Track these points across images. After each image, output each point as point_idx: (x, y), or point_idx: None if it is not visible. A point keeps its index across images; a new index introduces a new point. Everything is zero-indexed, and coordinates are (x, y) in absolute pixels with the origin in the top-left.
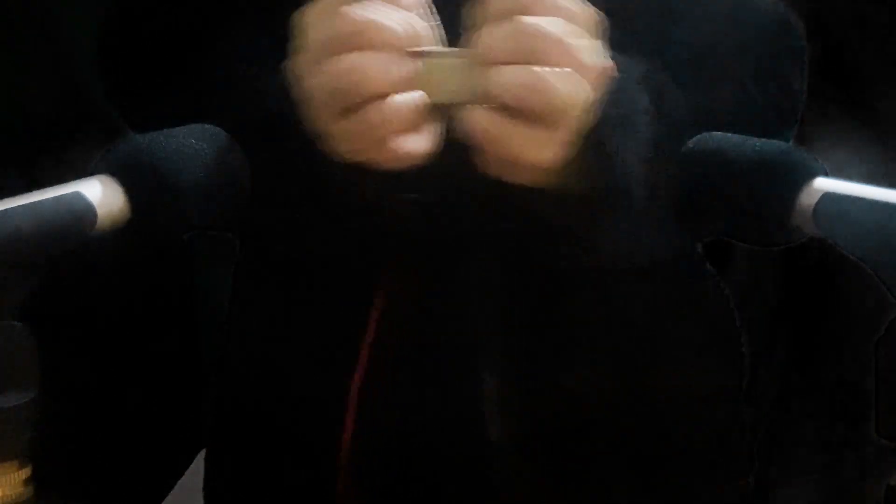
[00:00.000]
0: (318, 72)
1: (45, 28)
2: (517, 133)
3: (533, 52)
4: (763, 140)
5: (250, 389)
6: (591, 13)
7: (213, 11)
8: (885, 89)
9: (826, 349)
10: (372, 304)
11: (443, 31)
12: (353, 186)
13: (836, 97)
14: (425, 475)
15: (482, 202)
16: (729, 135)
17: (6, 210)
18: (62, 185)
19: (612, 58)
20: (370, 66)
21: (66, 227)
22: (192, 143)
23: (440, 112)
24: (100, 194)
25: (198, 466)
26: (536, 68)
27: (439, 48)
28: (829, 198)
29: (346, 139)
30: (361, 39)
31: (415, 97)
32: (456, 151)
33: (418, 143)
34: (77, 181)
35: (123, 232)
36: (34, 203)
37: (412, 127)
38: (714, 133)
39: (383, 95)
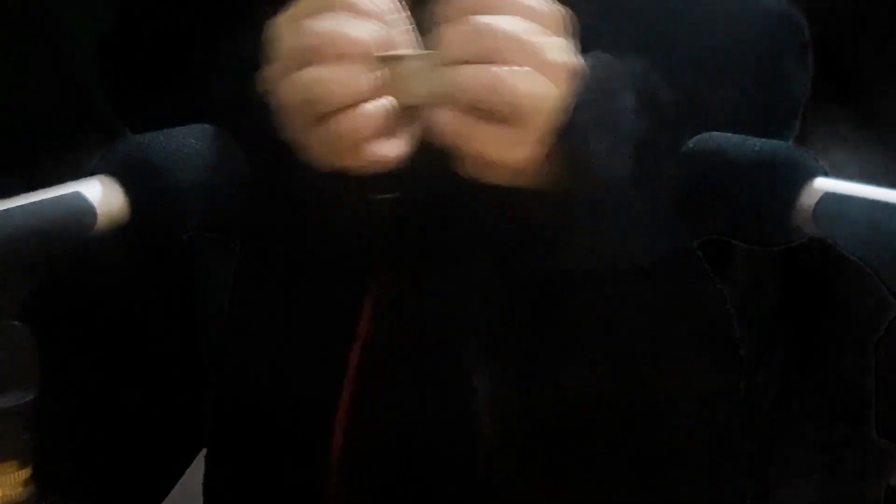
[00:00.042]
0: (288, 83)
1: (45, 28)
2: (483, 133)
3: (490, 52)
4: (763, 140)
5: (248, 389)
6: (557, 11)
7: (213, 13)
8: (884, 89)
9: (826, 349)
10: (364, 303)
11: (418, 33)
12: (335, 190)
13: (836, 97)
14: (418, 475)
15: (467, 202)
16: (729, 135)
17: (6, 210)
18: (62, 185)
19: (598, 56)
20: (336, 78)
21: (66, 227)
22: (192, 143)
23: (414, 114)
24: (100, 194)
25: (198, 466)
26: (493, 67)
27: (407, 51)
28: (829, 198)
29: (320, 147)
30: (327, 51)
31: (383, 104)
32: (435, 152)
33: (391, 148)
34: (77, 181)
35: (123, 232)
36: (34, 203)
37: (384, 132)
38: (714, 133)
39: (353, 104)
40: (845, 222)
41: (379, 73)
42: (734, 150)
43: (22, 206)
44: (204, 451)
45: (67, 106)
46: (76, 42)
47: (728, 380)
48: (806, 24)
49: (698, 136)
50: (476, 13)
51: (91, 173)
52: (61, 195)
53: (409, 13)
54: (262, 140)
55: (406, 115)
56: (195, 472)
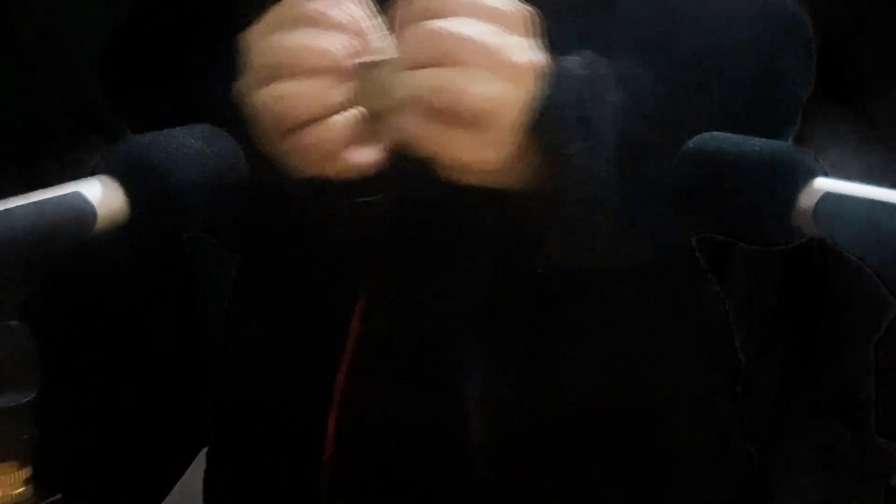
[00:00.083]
0: (258, 96)
1: (45, 29)
2: (445, 137)
3: (444, 55)
4: (763, 140)
5: (247, 388)
6: (522, 11)
7: (214, 13)
8: (885, 89)
9: (826, 349)
10: (355, 303)
11: (391, 38)
12: (319, 194)
13: (836, 97)
14: (408, 474)
15: (454, 202)
16: (729, 135)
17: (6, 210)
18: (62, 185)
19: (584, 55)
20: (303, 93)
21: (66, 227)
22: (192, 143)
23: (386, 119)
24: (100, 194)
25: (198, 466)
26: (445, 70)
27: (374, 57)
28: (829, 198)
29: (294, 156)
30: (295, 66)
31: (352, 115)
32: (415, 154)
33: (364, 155)
34: (77, 181)
35: (123, 232)
36: (34, 203)
37: (357, 140)
38: (714, 133)
39: (322, 116)
40: (845, 222)
41: (348, 84)
42: (734, 150)
43: (22, 206)
44: (204, 451)
45: (68, 106)
46: (76, 42)
47: (726, 380)
48: (809, 21)
49: (698, 136)
50: (434, 16)
51: (91, 173)
52: (61, 195)
53: (383, 18)
54: (251, 143)
55: (382, 120)
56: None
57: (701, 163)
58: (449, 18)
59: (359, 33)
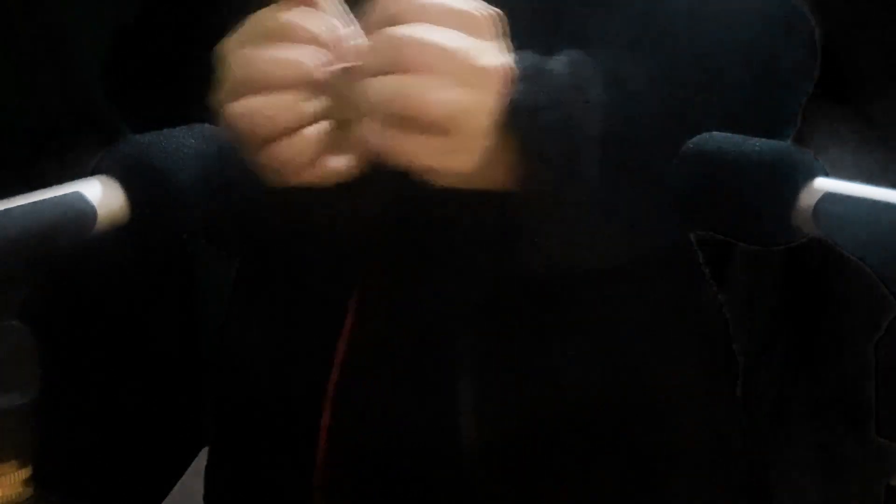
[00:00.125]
0: (231, 110)
1: (45, 28)
2: (408, 144)
3: (402, 62)
4: (763, 140)
5: (245, 387)
6: (488, 14)
7: (216, 14)
8: (885, 89)
9: (826, 349)
10: (348, 304)
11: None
12: (301, 200)
13: (836, 97)
14: (402, 474)
15: (442, 204)
16: (729, 135)
17: (6, 210)
18: (62, 185)
19: (570, 54)
20: (274, 107)
21: (66, 227)
22: (192, 143)
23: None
24: (100, 194)
25: (198, 466)
26: (403, 77)
27: (340, 66)
28: (829, 198)
29: (271, 167)
30: (267, 79)
31: (321, 127)
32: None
33: (339, 163)
34: (77, 181)
35: (123, 232)
36: (34, 203)
37: (332, 148)
38: (714, 133)
39: (295, 128)
40: (845, 222)
41: (320, 95)
42: (734, 150)
43: (22, 206)
44: (203, 451)
45: (68, 106)
46: (76, 42)
47: (724, 381)
48: (812, 19)
49: (698, 136)
50: (398, 22)
51: (91, 173)
52: (61, 195)
53: (360, 24)
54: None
55: (352, 129)
56: (195, 472)
57: (701, 163)
58: (411, 24)
59: (332, 42)
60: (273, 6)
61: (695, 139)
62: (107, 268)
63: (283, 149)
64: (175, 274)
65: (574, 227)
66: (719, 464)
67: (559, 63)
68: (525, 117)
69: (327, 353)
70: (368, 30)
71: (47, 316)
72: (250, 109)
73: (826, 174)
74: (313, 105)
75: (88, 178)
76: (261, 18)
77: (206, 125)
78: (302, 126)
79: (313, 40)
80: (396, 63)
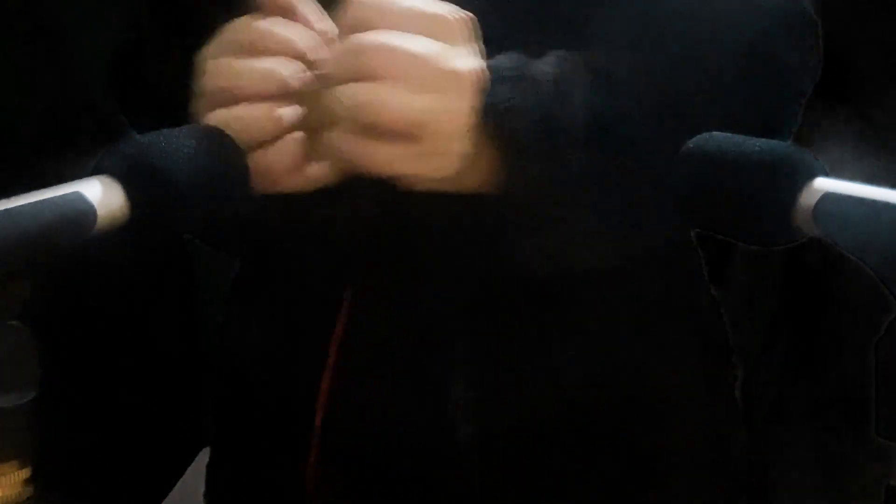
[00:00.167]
0: (209, 120)
1: (45, 29)
2: (376, 152)
3: (365, 69)
4: (763, 140)
5: (241, 389)
6: (459, 17)
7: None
8: (884, 89)
9: (826, 349)
10: (341, 304)
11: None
12: (292, 202)
13: (835, 97)
14: (393, 476)
15: (429, 207)
16: (729, 135)
17: (6, 210)
18: (62, 185)
19: (558, 54)
20: (249, 118)
21: (66, 227)
22: (192, 143)
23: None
24: (100, 194)
25: (198, 466)
26: (368, 85)
27: (312, 75)
28: (829, 198)
29: (253, 175)
30: (241, 90)
31: (298, 136)
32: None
33: (318, 170)
34: (77, 181)
35: (123, 232)
36: (34, 203)
37: (311, 156)
38: (714, 133)
39: (272, 138)
40: (845, 222)
41: (296, 105)
42: (734, 150)
43: (22, 206)
44: (203, 451)
45: (68, 106)
46: (77, 42)
47: (723, 382)
48: (816, 18)
49: (698, 136)
50: (367, 28)
51: (91, 173)
52: (61, 195)
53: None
54: None
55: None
56: (195, 472)
57: (701, 163)
58: (378, 31)
59: (308, 50)
60: (249, 15)
61: (695, 139)
62: (107, 268)
63: (262, 158)
64: (175, 274)
65: (561, 226)
66: (719, 463)
67: (545, 63)
68: (505, 119)
69: (320, 354)
70: (341, 34)
71: (47, 316)
72: (227, 120)
73: (826, 174)
74: (290, 114)
75: (88, 178)
76: (237, 28)
77: (207, 125)
78: (280, 135)
79: (289, 49)
80: (362, 70)
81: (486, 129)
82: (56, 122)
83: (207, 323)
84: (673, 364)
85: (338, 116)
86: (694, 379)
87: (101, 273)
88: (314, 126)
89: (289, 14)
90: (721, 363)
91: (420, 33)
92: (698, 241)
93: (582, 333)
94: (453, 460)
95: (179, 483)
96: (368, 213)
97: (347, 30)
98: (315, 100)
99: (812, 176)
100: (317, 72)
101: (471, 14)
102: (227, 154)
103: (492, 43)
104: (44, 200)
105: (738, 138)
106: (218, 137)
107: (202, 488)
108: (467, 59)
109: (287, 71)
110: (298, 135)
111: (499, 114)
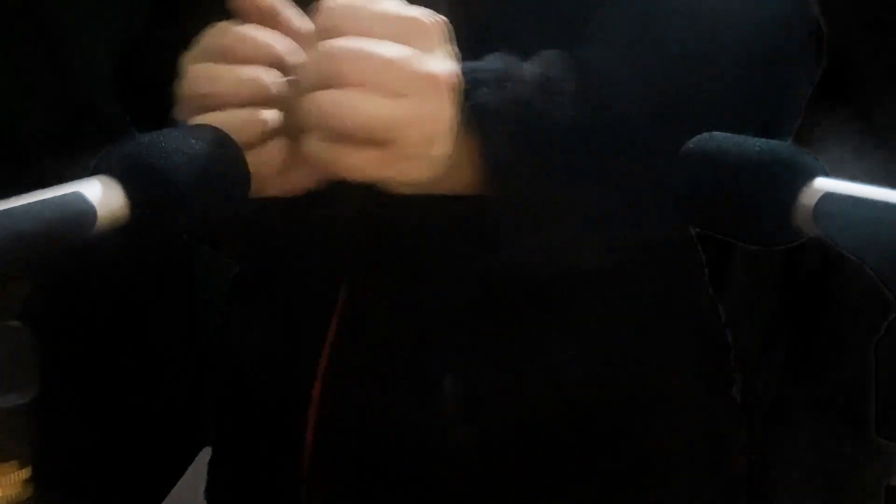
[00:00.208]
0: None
1: (45, 28)
2: (349, 157)
3: (335, 75)
4: (763, 140)
5: (240, 389)
6: (434, 21)
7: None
8: (884, 89)
9: (826, 349)
10: (335, 304)
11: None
12: (288, 204)
13: (836, 97)
14: (390, 476)
15: (410, 210)
16: (729, 134)
17: (6, 210)
18: (62, 185)
19: (548, 55)
20: (229, 124)
21: (66, 227)
22: (193, 142)
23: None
24: (100, 194)
25: (198, 466)
26: (337, 91)
27: (287, 80)
28: (829, 198)
29: None
30: (221, 97)
31: (280, 141)
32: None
33: (303, 174)
34: (77, 181)
35: (123, 232)
36: (34, 203)
37: (294, 160)
38: (714, 133)
39: (253, 144)
40: (845, 222)
41: (277, 110)
42: (734, 150)
43: (22, 206)
44: (203, 451)
45: (68, 106)
46: (77, 42)
47: (721, 381)
48: (816, 18)
49: (699, 136)
50: (340, 33)
51: (91, 173)
52: (61, 195)
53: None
54: None
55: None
56: (195, 472)
57: (701, 163)
58: (349, 36)
59: (286, 56)
60: (229, 20)
61: (695, 139)
62: (107, 268)
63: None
64: (175, 274)
65: (560, 226)
66: (718, 464)
67: (534, 65)
68: (487, 121)
69: (314, 355)
70: (314, 40)
71: (47, 316)
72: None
73: (826, 174)
74: (271, 120)
75: (88, 178)
76: (217, 33)
77: (207, 125)
78: (261, 141)
79: (268, 54)
80: (332, 77)
81: (466, 131)
82: (56, 122)
83: (207, 323)
84: (672, 364)
85: (309, 123)
86: (693, 379)
87: (101, 273)
88: (294, 131)
89: (269, 18)
90: (721, 363)
91: (393, 37)
92: (698, 240)
93: (581, 333)
94: (451, 460)
95: (180, 483)
96: (365, 213)
97: (319, 35)
98: (294, 105)
99: (812, 176)
100: (294, 77)
101: (444, 17)
102: (227, 154)
103: (490, 43)
104: (44, 200)
105: (738, 138)
106: (218, 137)
107: (202, 488)
108: (442, 63)
109: (266, 77)
110: (281, 140)
111: (478, 115)
